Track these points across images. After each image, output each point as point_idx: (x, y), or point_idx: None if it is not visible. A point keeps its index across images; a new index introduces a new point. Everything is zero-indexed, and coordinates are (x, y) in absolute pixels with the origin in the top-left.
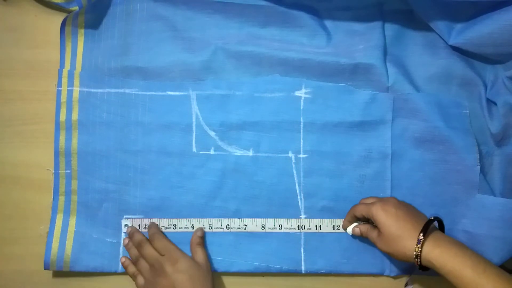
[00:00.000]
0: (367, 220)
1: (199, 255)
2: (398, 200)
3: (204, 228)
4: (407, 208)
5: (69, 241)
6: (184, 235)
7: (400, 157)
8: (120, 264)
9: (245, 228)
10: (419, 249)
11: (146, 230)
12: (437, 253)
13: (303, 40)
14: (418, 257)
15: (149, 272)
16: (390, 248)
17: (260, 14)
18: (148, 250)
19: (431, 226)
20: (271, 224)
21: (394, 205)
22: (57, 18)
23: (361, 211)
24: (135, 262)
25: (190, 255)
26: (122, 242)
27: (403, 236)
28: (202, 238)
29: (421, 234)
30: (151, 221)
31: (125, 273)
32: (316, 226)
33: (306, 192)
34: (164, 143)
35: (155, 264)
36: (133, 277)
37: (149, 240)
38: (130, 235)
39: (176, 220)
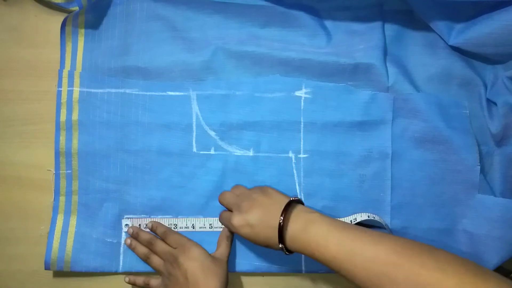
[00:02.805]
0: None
1: (222, 249)
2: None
3: (205, 227)
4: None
5: (70, 241)
6: (185, 234)
7: (400, 157)
8: (120, 264)
9: None
10: (281, 222)
11: (148, 230)
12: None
13: (303, 40)
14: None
15: (163, 266)
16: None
17: (260, 14)
18: (161, 245)
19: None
20: None
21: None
22: (57, 18)
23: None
24: (145, 261)
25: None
26: (123, 242)
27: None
28: (232, 234)
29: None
30: (152, 220)
31: (125, 273)
32: None
33: (306, 192)
34: (165, 143)
35: (169, 258)
36: (146, 258)
37: (162, 238)
38: (134, 235)
39: (176, 219)
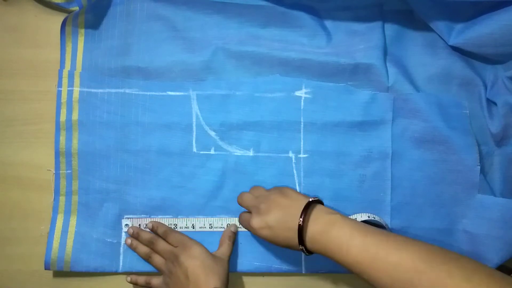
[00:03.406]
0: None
1: (224, 248)
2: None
3: (205, 227)
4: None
5: (70, 241)
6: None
7: (400, 157)
8: (120, 264)
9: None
10: (301, 223)
11: (148, 231)
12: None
13: (303, 40)
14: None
15: (165, 265)
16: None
17: (260, 14)
18: (162, 244)
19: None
20: None
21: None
22: (57, 18)
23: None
24: (147, 260)
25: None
26: (124, 242)
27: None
28: (234, 234)
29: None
30: (152, 220)
31: (125, 273)
32: None
33: (306, 192)
34: (165, 143)
35: (170, 257)
36: (148, 257)
37: (163, 237)
38: (135, 235)
39: (176, 219)
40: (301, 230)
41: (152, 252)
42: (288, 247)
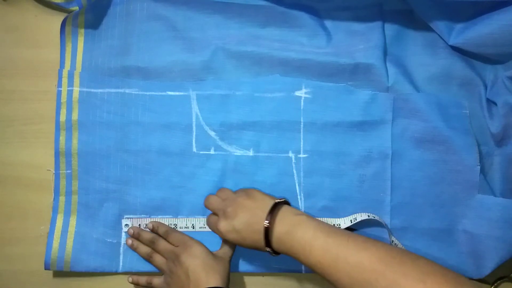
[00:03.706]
0: None
1: (225, 249)
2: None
3: (205, 227)
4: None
5: (70, 241)
6: None
7: (400, 157)
8: (120, 264)
9: None
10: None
11: (148, 231)
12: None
13: (303, 40)
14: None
15: (165, 265)
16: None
17: (260, 14)
18: (163, 244)
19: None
20: None
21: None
22: (57, 18)
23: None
24: (148, 260)
25: None
26: (124, 242)
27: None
28: None
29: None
30: (152, 220)
31: (125, 273)
32: None
33: (306, 192)
34: (164, 143)
35: (171, 256)
36: (149, 257)
37: (164, 237)
38: (135, 235)
39: (176, 219)
40: (267, 231)
41: (153, 252)
42: (255, 249)
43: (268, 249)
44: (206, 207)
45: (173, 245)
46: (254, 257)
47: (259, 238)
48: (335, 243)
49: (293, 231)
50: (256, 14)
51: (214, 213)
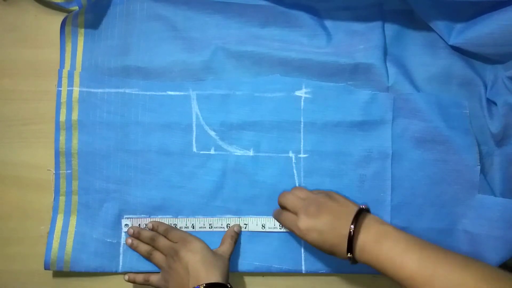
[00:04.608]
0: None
1: (225, 247)
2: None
3: (205, 227)
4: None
5: (70, 241)
6: None
7: (400, 157)
8: (120, 264)
9: (245, 228)
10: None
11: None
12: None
13: (303, 40)
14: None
15: (165, 261)
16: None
17: (260, 14)
18: (163, 241)
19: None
20: (271, 223)
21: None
22: (57, 18)
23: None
24: (148, 258)
25: None
26: (124, 242)
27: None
28: (237, 234)
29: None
30: (152, 220)
31: (124, 273)
32: None
33: None
34: (165, 143)
35: (170, 252)
36: (149, 254)
37: (164, 235)
38: (135, 235)
39: (176, 219)
40: (352, 238)
41: (153, 250)
42: (333, 253)
43: (349, 255)
44: (282, 203)
45: (173, 242)
46: (254, 257)
47: (340, 243)
48: (431, 259)
49: (381, 241)
50: (256, 14)
51: (291, 211)
